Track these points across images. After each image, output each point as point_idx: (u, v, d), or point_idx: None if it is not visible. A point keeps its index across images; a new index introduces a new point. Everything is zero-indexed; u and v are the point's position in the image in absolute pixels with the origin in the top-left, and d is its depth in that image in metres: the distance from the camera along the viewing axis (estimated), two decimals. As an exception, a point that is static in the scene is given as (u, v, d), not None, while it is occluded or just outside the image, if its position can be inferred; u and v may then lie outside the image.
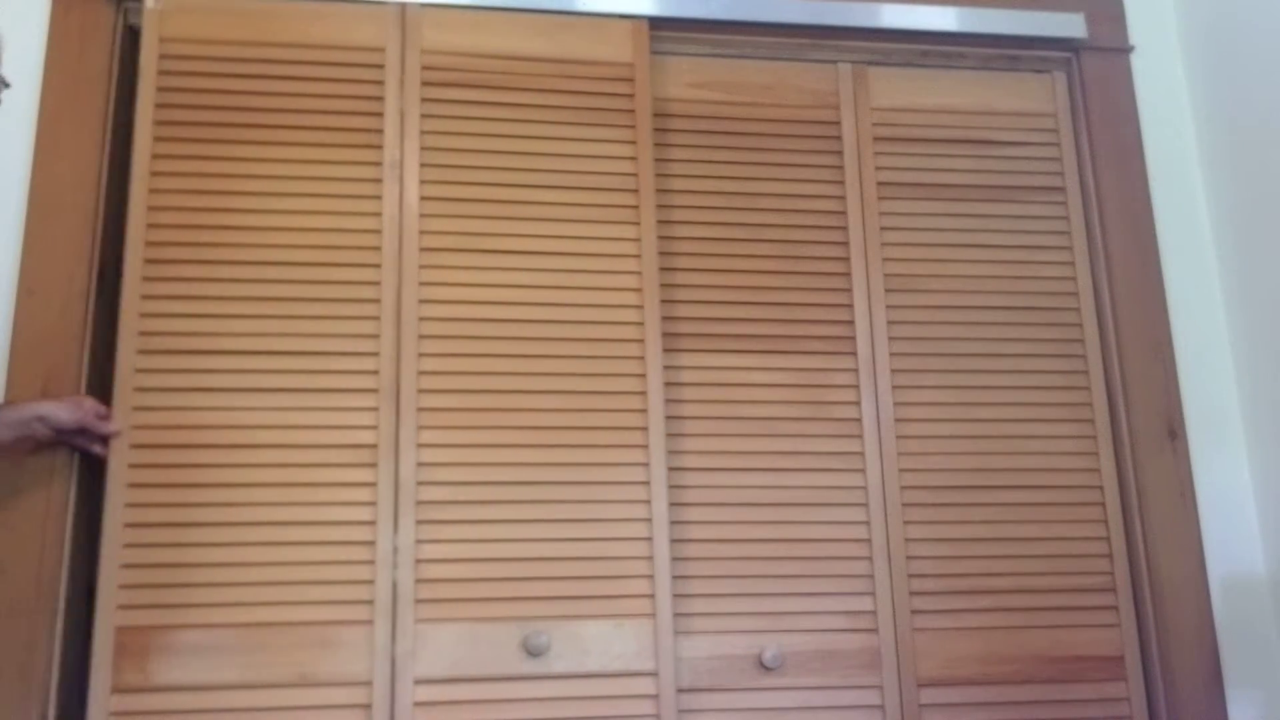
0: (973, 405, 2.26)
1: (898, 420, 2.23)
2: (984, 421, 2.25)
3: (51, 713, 1.86)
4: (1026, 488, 2.23)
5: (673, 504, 2.10)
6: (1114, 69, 2.48)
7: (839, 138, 2.36)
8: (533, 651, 1.94)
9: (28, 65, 2.11)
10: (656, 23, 2.30)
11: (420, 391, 2.03)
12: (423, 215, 2.11)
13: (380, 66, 2.16)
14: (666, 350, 2.16)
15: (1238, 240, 2.35)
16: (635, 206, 2.18)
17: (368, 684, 1.90)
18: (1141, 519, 2.23)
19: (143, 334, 1.98)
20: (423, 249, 2.10)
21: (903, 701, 2.08)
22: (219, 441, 1.96)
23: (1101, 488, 2.25)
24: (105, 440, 1.93)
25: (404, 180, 2.12)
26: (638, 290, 2.14)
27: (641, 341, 2.12)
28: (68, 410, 1.89)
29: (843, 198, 2.32)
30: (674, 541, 2.08)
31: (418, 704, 1.91)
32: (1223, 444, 2.31)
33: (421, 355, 2.05)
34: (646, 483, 2.06)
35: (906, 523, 2.18)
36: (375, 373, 2.03)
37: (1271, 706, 2.18)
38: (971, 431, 2.25)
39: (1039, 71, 2.48)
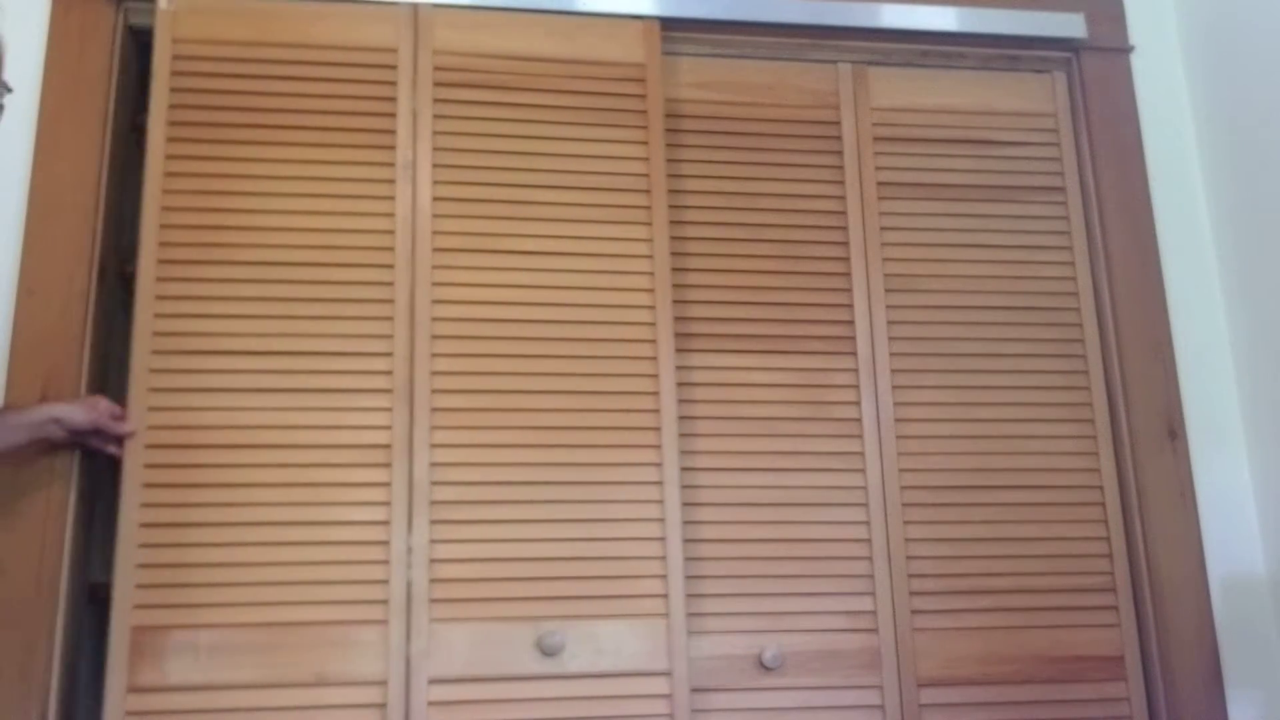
0: (973, 405, 2.26)
1: (898, 420, 2.23)
2: (984, 421, 2.26)
3: (51, 713, 1.86)
4: (1026, 488, 2.24)
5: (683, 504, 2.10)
6: (1114, 69, 2.49)
7: (839, 138, 2.36)
8: (547, 651, 1.95)
9: (28, 65, 2.09)
10: (666, 24, 2.29)
11: (434, 391, 2.03)
12: (435, 215, 2.11)
13: (393, 67, 2.16)
14: (676, 350, 2.15)
15: (1238, 240, 2.37)
16: (647, 207, 2.18)
17: (382, 684, 1.91)
18: (1141, 519, 2.24)
19: (157, 334, 1.98)
20: (436, 249, 2.09)
21: (903, 701, 2.09)
22: (233, 441, 1.96)
23: (1101, 488, 2.26)
24: (120, 441, 1.93)
25: (417, 180, 2.11)
26: (650, 290, 2.14)
27: (654, 341, 2.12)
28: (83, 411, 1.89)
29: (843, 198, 2.32)
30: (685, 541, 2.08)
31: (432, 703, 1.91)
32: (1223, 444, 2.32)
33: (434, 355, 2.05)
34: (659, 483, 2.06)
35: (906, 523, 2.18)
36: (389, 373, 2.03)
37: (1271, 706, 2.19)
38: (971, 431, 2.25)
39: (1039, 71, 2.48)
